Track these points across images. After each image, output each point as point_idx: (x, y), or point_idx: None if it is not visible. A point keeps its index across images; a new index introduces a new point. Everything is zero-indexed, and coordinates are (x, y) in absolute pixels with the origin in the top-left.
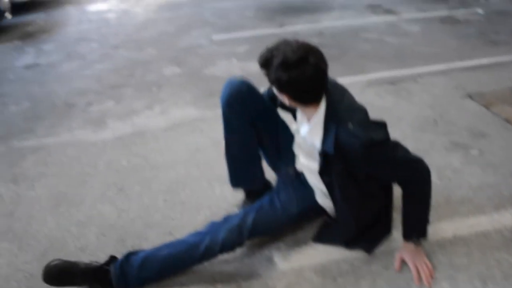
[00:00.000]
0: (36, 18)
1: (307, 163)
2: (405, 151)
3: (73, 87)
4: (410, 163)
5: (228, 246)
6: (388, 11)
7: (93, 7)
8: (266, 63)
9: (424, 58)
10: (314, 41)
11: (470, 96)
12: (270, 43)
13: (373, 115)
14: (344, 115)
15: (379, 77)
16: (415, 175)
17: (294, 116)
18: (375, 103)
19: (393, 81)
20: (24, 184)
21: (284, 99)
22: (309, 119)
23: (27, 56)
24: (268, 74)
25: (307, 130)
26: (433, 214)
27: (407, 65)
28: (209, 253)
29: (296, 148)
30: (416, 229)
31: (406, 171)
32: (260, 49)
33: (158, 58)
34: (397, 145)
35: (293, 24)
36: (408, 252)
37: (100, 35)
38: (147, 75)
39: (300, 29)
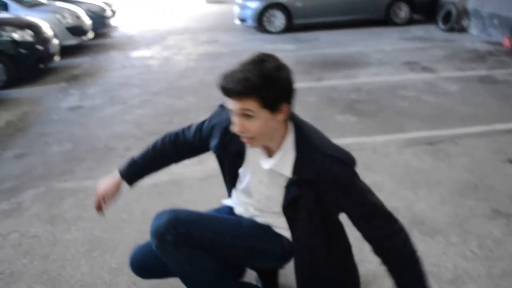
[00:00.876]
0: (82, 61)
1: (265, 202)
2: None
3: (114, 131)
4: (386, 211)
5: None
6: (426, 69)
7: (136, 53)
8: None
9: (464, 119)
10: (351, 96)
11: (511, 161)
12: (301, 94)
13: (411, 177)
14: (316, 139)
15: (417, 137)
16: (393, 227)
17: (234, 163)
18: (413, 164)
19: (431, 142)
20: (61, 226)
21: (280, 116)
22: (272, 151)
23: (72, 98)
24: (266, 92)
25: (275, 160)
26: None
27: (446, 125)
28: None
29: (247, 192)
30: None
31: (382, 217)
32: (297, 101)
33: (197, 107)
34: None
35: (330, 78)
36: None
37: (142, 81)
38: (185, 123)
39: (337, 83)
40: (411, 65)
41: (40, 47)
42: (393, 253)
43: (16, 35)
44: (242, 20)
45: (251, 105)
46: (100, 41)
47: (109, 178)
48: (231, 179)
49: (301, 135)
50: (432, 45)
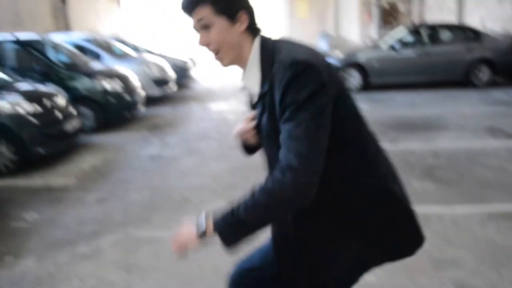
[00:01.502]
0: (164, 111)
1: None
2: (316, 123)
3: (190, 183)
4: (303, 142)
5: None
6: (510, 136)
7: (215, 106)
8: None
9: None
10: (428, 161)
11: None
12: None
13: (494, 254)
14: (280, 49)
15: (501, 210)
16: (289, 161)
17: None
18: (496, 240)
19: None
20: (136, 274)
21: (240, 26)
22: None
23: (153, 147)
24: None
25: (244, 77)
26: None
27: None
28: None
29: None
30: (225, 219)
31: (291, 147)
32: None
33: None
34: (318, 102)
35: (406, 140)
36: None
37: (219, 133)
38: (262, 179)
39: (414, 147)
40: (493, 131)
41: (127, 97)
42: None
43: (107, 85)
44: None
45: (205, 12)
46: (181, 93)
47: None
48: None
49: (266, 48)
50: None
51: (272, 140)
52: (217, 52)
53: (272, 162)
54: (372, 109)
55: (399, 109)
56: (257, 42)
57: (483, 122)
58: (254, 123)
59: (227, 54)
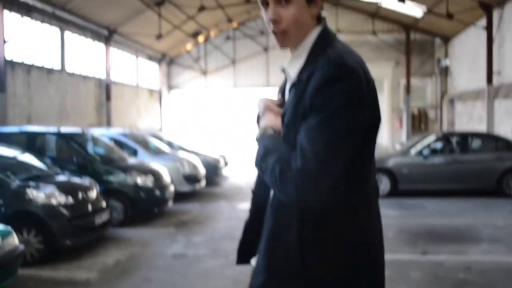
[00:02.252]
0: (192, 208)
1: None
2: (343, 137)
3: (213, 286)
4: (321, 148)
5: None
6: None
7: (242, 205)
8: None
9: None
10: (459, 276)
11: None
12: (404, 268)
13: None
14: (333, 45)
15: None
16: (296, 170)
17: None
18: None
19: None
20: None
21: (314, 9)
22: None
23: (178, 245)
24: None
25: (290, 59)
26: None
27: None
28: None
29: None
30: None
31: (311, 144)
32: (402, 277)
33: None
34: (349, 117)
35: (436, 253)
36: None
37: None
38: None
39: (444, 259)
40: None
41: (157, 192)
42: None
43: (139, 180)
44: None
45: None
46: (211, 189)
47: None
48: None
49: (322, 40)
50: None
51: (291, 130)
52: (283, 33)
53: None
54: (401, 215)
55: (430, 217)
56: (316, 30)
57: None
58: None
59: (295, 35)
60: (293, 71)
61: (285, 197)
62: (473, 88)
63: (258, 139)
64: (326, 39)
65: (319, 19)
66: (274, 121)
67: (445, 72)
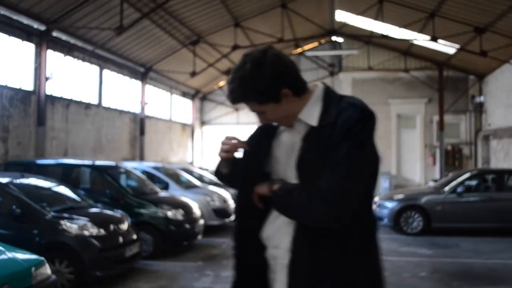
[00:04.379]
0: (222, 242)
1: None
2: (361, 172)
3: None
4: (343, 181)
5: None
6: None
7: None
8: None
9: None
10: None
11: None
12: None
13: None
14: (342, 96)
15: None
16: (324, 188)
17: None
18: None
19: None
20: None
21: (286, 100)
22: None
23: (206, 279)
24: (255, 94)
25: (303, 112)
26: None
27: None
28: None
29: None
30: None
31: (333, 178)
32: None
33: None
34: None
35: None
36: None
37: None
38: None
39: None
40: None
41: (187, 226)
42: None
43: (170, 213)
44: (379, 218)
45: (253, 106)
46: None
47: None
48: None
49: (331, 92)
50: None
51: (317, 168)
52: (279, 124)
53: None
54: (434, 254)
55: (464, 257)
56: (320, 86)
57: None
58: (235, 141)
59: (289, 119)
60: (312, 119)
61: (314, 213)
62: (509, 125)
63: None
64: (332, 90)
65: (299, 90)
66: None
67: (479, 108)
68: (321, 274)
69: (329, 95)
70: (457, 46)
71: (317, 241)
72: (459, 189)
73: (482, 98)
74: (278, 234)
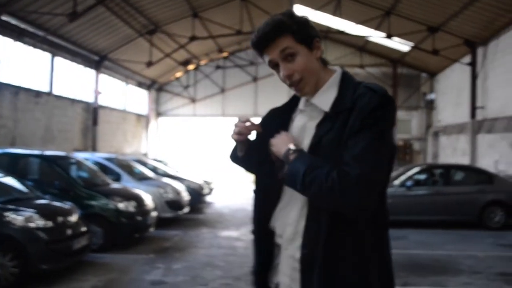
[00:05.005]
0: (174, 234)
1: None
2: (386, 157)
3: None
4: (374, 164)
5: None
6: None
7: (224, 233)
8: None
9: None
10: None
11: None
12: None
13: None
14: (359, 82)
15: None
16: (356, 175)
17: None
18: None
19: None
20: None
21: (317, 52)
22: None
23: (157, 271)
24: (294, 27)
25: (317, 96)
26: None
27: None
28: None
29: None
30: (301, 159)
31: (363, 159)
32: None
33: None
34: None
35: (417, 284)
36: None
37: (226, 262)
38: None
39: None
40: (507, 278)
41: (139, 218)
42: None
43: (121, 205)
44: None
45: (288, 42)
46: (193, 216)
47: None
48: None
49: (348, 76)
50: None
51: (331, 155)
52: (299, 81)
53: None
54: None
55: (411, 248)
56: (339, 69)
57: (497, 266)
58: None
59: (310, 81)
60: (326, 105)
61: (344, 200)
62: (457, 121)
63: (290, 159)
64: (350, 76)
65: (324, 61)
66: (291, 139)
67: (430, 105)
68: (336, 269)
69: (346, 80)
70: (411, 44)
71: (333, 233)
72: (409, 183)
73: (433, 95)
74: (282, 222)
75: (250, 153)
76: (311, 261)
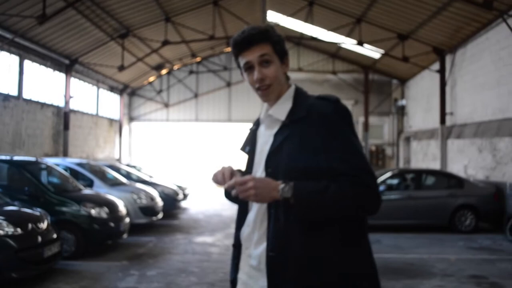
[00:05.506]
0: (148, 241)
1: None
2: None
3: None
4: (365, 162)
5: None
6: (494, 285)
7: (199, 239)
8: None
9: None
10: None
11: None
12: None
13: None
14: (312, 95)
15: None
16: (363, 179)
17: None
18: None
19: None
20: None
21: (285, 68)
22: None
23: (130, 278)
24: (275, 38)
25: (274, 108)
26: None
27: None
28: None
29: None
30: (302, 188)
31: (356, 163)
32: None
33: None
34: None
35: None
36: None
37: (200, 268)
38: None
39: None
40: (478, 280)
41: (112, 224)
42: (344, 182)
43: (93, 211)
44: None
45: (268, 49)
46: (168, 222)
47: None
48: None
49: (300, 91)
50: (501, 257)
51: (290, 159)
52: (267, 87)
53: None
54: None
55: (384, 252)
56: (292, 86)
57: (468, 269)
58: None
59: (275, 90)
60: (282, 115)
61: (372, 206)
62: (428, 127)
63: (289, 195)
64: (303, 91)
65: (287, 77)
66: (273, 184)
67: (401, 111)
68: (315, 266)
69: (299, 94)
70: (382, 51)
71: (311, 233)
72: (381, 188)
73: (404, 102)
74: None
75: None
76: (279, 261)
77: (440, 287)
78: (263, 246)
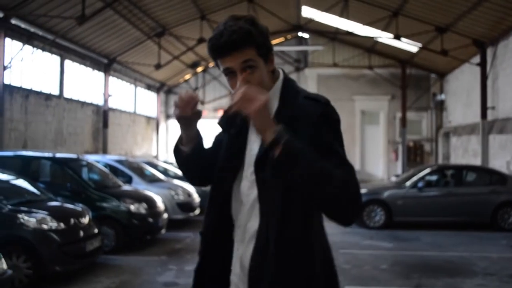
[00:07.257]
0: (185, 236)
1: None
2: None
3: None
4: (346, 160)
5: None
6: None
7: None
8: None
9: None
10: None
11: None
12: None
13: None
14: (301, 89)
15: None
16: (347, 170)
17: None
18: None
19: None
20: None
21: (270, 65)
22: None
23: (169, 273)
24: (257, 40)
25: None
26: None
27: None
28: None
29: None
30: (297, 142)
31: (341, 160)
32: None
33: None
34: None
35: (430, 286)
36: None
37: None
38: None
39: None
40: None
41: (151, 220)
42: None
43: (133, 207)
44: None
45: (252, 54)
46: None
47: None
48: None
49: (289, 85)
50: None
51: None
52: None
53: (266, 191)
54: (395, 247)
55: (424, 250)
56: (281, 77)
57: (511, 268)
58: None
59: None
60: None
61: (351, 204)
62: (468, 122)
63: (282, 140)
64: (291, 84)
65: (273, 71)
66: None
67: (440, 106)
68: (287, 255)
69: (287, 88)
70: (420, 44)
71: (285, 222)
72: (420, 184)
73: (443, 96)
74: (236, 226)
75: (198, 154)
76: (257, 273)
77: (482, 286)
78: (249, 251)
